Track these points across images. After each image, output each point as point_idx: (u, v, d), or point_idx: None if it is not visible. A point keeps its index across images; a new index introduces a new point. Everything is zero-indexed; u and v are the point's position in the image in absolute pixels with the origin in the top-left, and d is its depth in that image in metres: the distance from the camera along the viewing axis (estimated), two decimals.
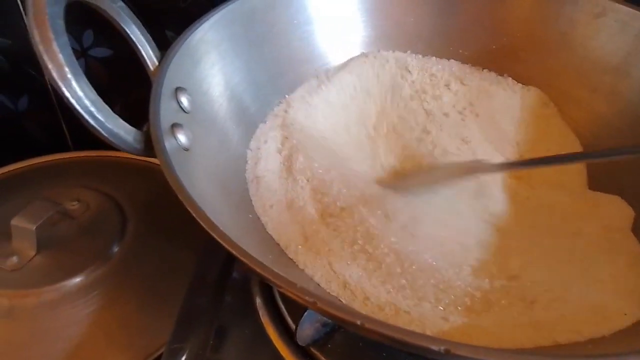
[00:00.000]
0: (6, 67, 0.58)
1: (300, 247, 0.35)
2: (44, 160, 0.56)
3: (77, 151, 0.58)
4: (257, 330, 0.39)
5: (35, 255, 0.44)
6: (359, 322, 0.22)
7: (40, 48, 0.28)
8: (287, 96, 0.45)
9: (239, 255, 0.24)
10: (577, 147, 0.45)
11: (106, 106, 0.29)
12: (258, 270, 0.23)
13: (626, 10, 0.44)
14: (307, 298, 0.23)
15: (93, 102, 0.28)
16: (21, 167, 0.55)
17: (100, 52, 0.57)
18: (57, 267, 0.43)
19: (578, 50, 0.47)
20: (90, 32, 0.55)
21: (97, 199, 0.50)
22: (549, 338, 0.31)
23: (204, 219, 0.25)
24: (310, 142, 0.41)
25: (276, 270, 0.23)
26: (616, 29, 0.45)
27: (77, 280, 0.43)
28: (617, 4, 0.45)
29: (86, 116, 0.28)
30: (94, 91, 0.28)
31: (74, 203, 0.48)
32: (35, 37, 0.28)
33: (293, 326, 0.37)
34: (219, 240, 0.24)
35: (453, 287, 0.33)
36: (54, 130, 0.63)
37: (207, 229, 0.24)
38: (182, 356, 0.37)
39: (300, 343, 0.36)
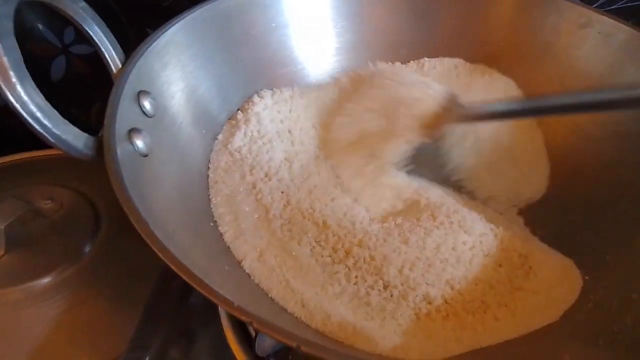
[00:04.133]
0: None
1: (255, 261, 0.34)
2: (20, 157, 0.55)
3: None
4: (220, 335, 0.38)
5: (3, 254, 0.43)
6: (294, 345, 0.22)
7: None
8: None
9: (178, 271, 0.23)
10: None
11: (55, 111, 0.28)
12: (196, 287, 0.23)
13: (610, 22, 0.44)
14: (243, 317, 0.22)
15: (39, 107, 0.27)
16: None
17: (82, 49, 0.56)
18: (25, 267, 0.43)
19: (562, 60, 0.46)
20: (72, 29, 0.55)
21: (72, 197, 0.49)
22: None
23: (145, 230, 0.24)
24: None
25: (215, 289, 0.23)
26: (600, 40, 0.44)
27: (45, 280, 0.42)
28: (601, 16, 0.44)
29: (31, 121, 0.27)
30: (41, 96, 0.27)
31: (47, 202, 0.48)
32: None
33: (253, 335, 0.36)
34: (156, 252, 0.23)
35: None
36: None
37: (145, 237, 0.24)
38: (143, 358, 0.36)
39: (259, 354, 0.35)
